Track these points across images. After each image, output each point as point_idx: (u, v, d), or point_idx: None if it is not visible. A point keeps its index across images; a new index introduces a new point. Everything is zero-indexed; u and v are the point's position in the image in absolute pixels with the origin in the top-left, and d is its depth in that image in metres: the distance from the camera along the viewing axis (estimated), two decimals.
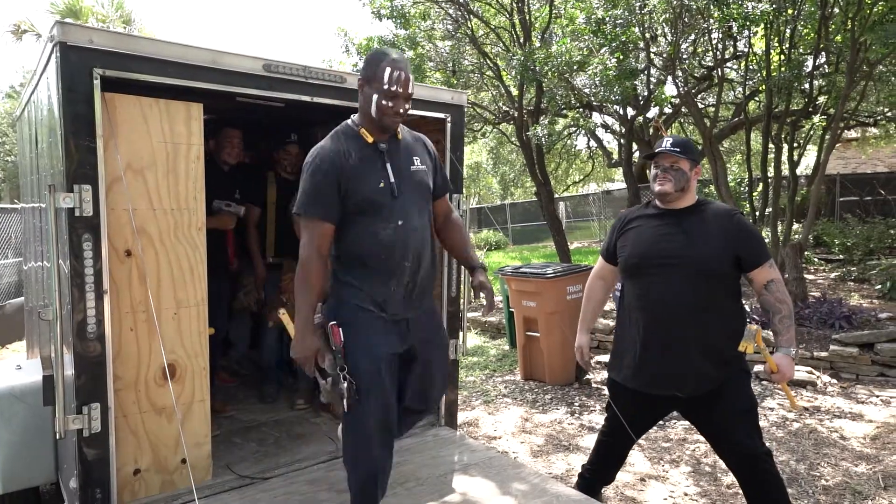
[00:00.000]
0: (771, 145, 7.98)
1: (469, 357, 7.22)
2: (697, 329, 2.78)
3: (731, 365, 2.84)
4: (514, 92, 10.19)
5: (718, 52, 8.77)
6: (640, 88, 8.68)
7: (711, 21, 7.41)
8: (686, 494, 3.84)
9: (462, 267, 3.23)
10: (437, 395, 2.86)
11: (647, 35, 8.29)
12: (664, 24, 8.31)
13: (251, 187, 4.35)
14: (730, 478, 3.86)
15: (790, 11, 6.95)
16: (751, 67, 8.38)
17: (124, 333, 2.77)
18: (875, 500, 3.68)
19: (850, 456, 4.27)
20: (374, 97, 2.41)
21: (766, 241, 5.45)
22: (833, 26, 7.31)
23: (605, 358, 4.25)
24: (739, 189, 12.11)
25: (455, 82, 10.25)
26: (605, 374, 3.30)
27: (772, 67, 7.61)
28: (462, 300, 3.79)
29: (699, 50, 9.92)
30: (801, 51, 7.83)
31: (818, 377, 5.73)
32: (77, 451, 2.62)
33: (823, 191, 12.96)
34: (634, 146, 11.22)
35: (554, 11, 9.22)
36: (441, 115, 3.58)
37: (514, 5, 9.61)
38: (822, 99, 8.41)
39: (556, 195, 17.13)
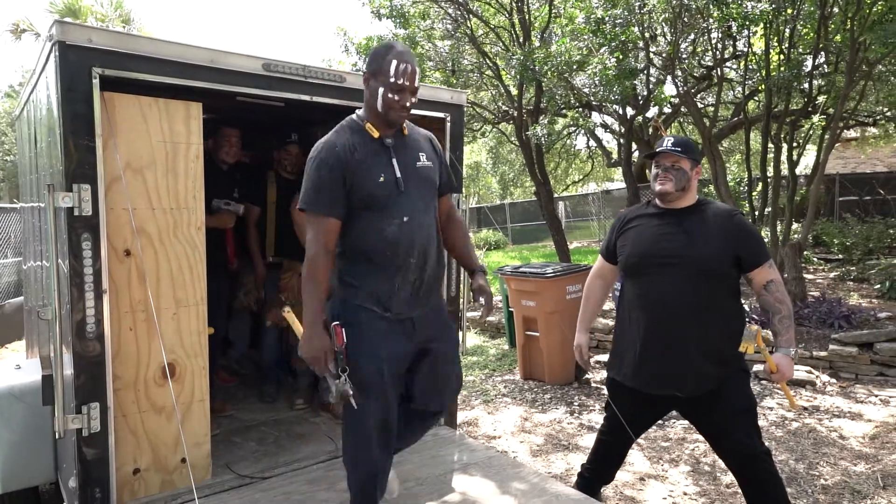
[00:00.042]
0: (770, 145, 7.98)
1: (468, 357, 7.23)
2: (698, 329, 2.78)
3: (730, 364, 2.85)
4: (514, 91, 10.19)
5: (718, 52, 8.77)
6: (639, 88, 8.67)
7: (711, 20, 7.41)
8: (685, 494, 3.84)
9: (461, 267, 3.20)
10: (451, 393, 2.77)
11: (647, 35, 8.29)
12: (663, 24, 8.31)
13: (251, 187, 4.34)
14: (729, 477, 3.86)
15: (789, 11, 6.96)
16: (750, 67, 8.38)
17: (123, 333, 2.77)
18: (874, 499, 3.68)
19: (849, 455, 4.28)
20: (380, 91, 2.37)
21: (766, 240, 5.45)
22: (832, 26, 7.31)
23: (605, 357, 4.25)
24: (739, 189, 12.10)
25: (454, 82, 10.24)
26: (604, 374, 3.30)
27: (771, 67, 7.61)
28: (462, 300, 3.80)
29: (698, 49, 9.92)
30: (800, 50, 7.83)
31: (817, 377, 5.74)
32: (76, 451, 2.62)
33: (823, 190, 12.97)
34: (634, 146, 11.21)
35: (553, 11, 9.22)
36: (440, 115, 3.57)
37: (514, 5, 9.61)
38: (821, 98, 8.41)
39: (556, 195, 17.13)
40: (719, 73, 8.85)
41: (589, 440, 4.37)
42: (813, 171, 8.11)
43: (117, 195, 2.70)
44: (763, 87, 8.11)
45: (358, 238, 2.42)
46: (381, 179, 2.39)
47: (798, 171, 9.10)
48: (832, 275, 10.20)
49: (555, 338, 5.93)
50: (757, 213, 8.72)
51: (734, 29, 7.51)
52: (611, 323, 6.93)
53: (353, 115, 2.52)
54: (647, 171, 13.61)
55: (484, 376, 6.52)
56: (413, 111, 2.53)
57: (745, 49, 8.63)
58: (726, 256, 2.78)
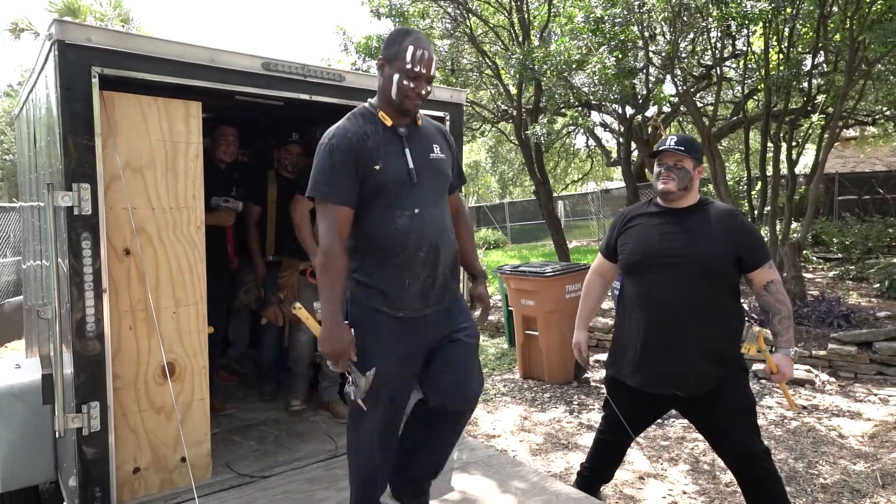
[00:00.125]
0: (770, 144, 7.98)
1: None
2: (699, 328, 2.79)
3: (730, 364, 2.85)
4: (513, 90, 10.19)
5: (717, 51, 8.77)
6: (638, 87, 8.67)
7: (710, 20, 7.41)
8: (685, 493, 3.84)
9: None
10: (473, 390, 2.52)
11: (646, 34, 8.29)
12: (663, 23, 8.31)
13: (250, 186, 4.34)
14: (728, 476, 3.86)
15: (789, 10, 6.95)
16: (749, 66, 8.37)
17: (123, 332, 2.77)
18: (873, 498, 3.68)
19: (849, 454, 4.28)
20: (396, 77, 2.29)
21: (765, 239, 5.45)
22: (832, 25, 7.31)
23: (604, 357, 4.25)
24: (738, 188, 12.11)
25: (454, 81, 10.24)
26: (603, 373, 3.30)
27: (770, 66, 7.61)
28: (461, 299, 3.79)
29: (698, 49, 9.92)
30: (799, 49, 7.82)
31: (817, 376, 5.74)
32: (76, 450, 2.62)
33: (822, 190, 12.97)
34: (633, 145, 11.22)
35: (553, 10, 9.22)
36: (440, 114, 3.57)
37: (513, 4, 9.61)
38: (820, 98, 8.41)
39: (555, 194, 17.13)
40: (718, 72, 8.85)
41: (588, 439, 4.37)
42: (812, 171, 8.11)
43: (117, 194, 2.70)
44: (762, 86, 8.11)
45: (367, 231, 2.33)
46: (394, 169, 2.31)
47: (797, 170, 9.09)
48: (831, 274, 10.21)
49: (554, 337, 5.93)
50: (756, 212, 8.72)
51: (733, 28, 7.51)
52: (610, 322, 6.93)
53: (366, 103, 2.44)
54: (646, 170, 13.64)
55: (483, 375, 6.52)
56: None
57: (745, 48, 8.63)
58: (727, 256, 2.78)
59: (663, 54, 9.28)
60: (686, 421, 4.01)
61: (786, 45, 7.60)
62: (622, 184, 15.16)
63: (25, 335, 5.35)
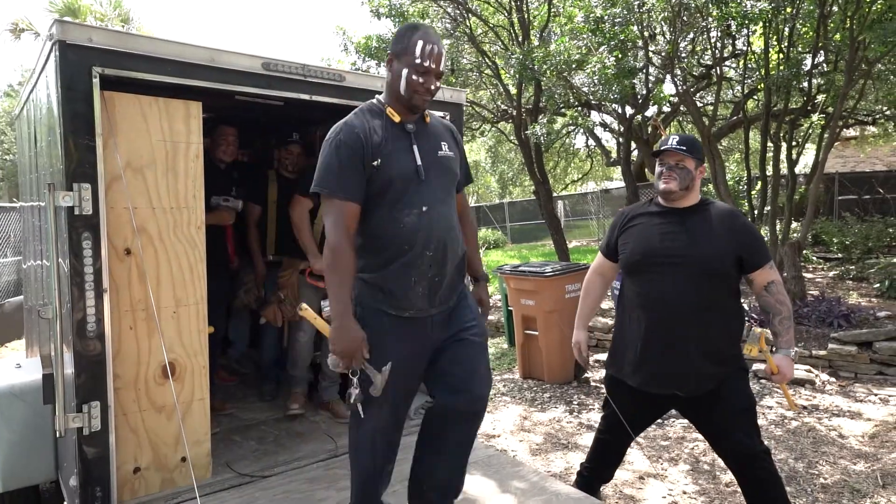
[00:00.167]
0: (769, 144, 7.98)
1: None
2: (699, 328, 2.79)
3: (729, 364, 2.85)
4: (513, 90, 10.20)
5: (717, 51, 8.77)
6: (638, 87, 8.68)
7: (710, 19, 7.41)
8: (685, 493, 3.84)
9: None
10: (481, 389, 2.46)
11: (646, 33, 8.29)
12: (663, 23, 8.31)
13: (250, 185, 4.35)
14: (728, 476, 3.87)
15: (789, 10, 6.96)
16: (749, 66, 8.37)
17: (124, 332, 2.77)
18: (873, 498, 3.69)
19: (849, 454, 4.28)
20: (405, 72, 2.26)
21: (765, 239, 5.45)
22: (832, 25, 7.31)
23: (604, 356, 4.26)
24: (738, 188, 12.11)
25: (453, 80, 10.25)
26: (603, 373, 3.31)
27: (770, 66, 7.61)
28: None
29: (698, 48, 9.93)
30: (799, 49, 7.83)
31: (817, 375, 5.74)
32: (77, 450, 2.63)
33: (822, 189, 12.97)
34: (633, 145, 11.22)
35: (552, 10, 9.22)
36: (439, 114, 3.57)
37: (513, 4, 9.61)
38: (820, 97, 8.42)
39: (555, 194, 17.15)
40: (718, 71, 8.85)
41: (588, 439, 4.37)
42: (812, 170, 8.11)
43: (117, 194, 2.70)
44: (762, 85, 8.11)
45: (374, 229, 2.30)
46: (401, 166, 2.28)
47: (797, 169, 9.10)
48: (831, 274, 10.21)
49: (554, 337, 5.94)
50: (756, 212, 8.73)
51: (733, 28, 7.51)
52: (610, 322, 6.93)
53: (374, 99, 2.41)
54: (646, 170, 13.65)
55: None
56: None
57: (745, 48, 8.63)
58: (728, 257, 2.78)
59: (663, 54, 9.28)
60: (686, 421, 4.01)
61: (786, 44, 7.60)
62: (622, 184, 15.16)
63: (26, 335, 5.36)
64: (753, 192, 9.18)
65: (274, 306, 4.22)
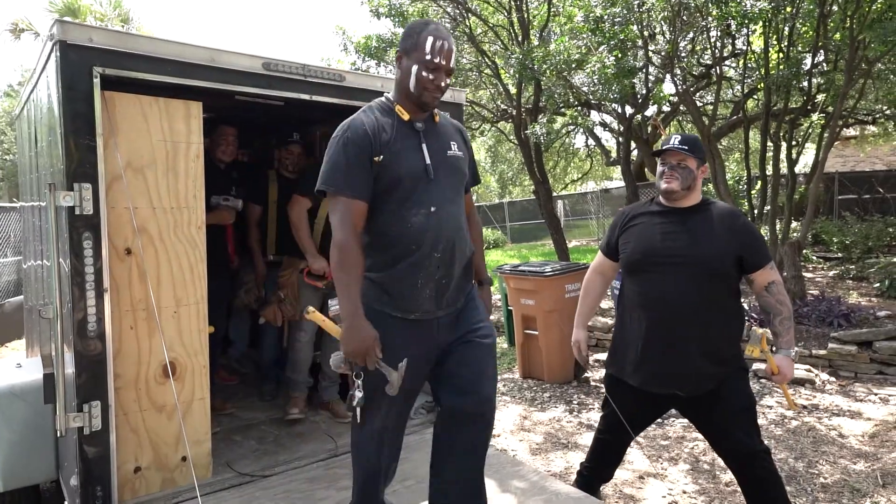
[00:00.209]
0: (769, 143, 7.99)
1: None
2: (700, 328, 2.79)
3: (729, 364, 2.86)
4: (513, 90, 10.20)
5: (717, 50, 8.78)
6: (638, 87, 8.68)
7: (710, 19, 7.42)
8: (685, 492, 3.85)
9: None
10: (487, 390, 2.40)
11: (646, 33, 8.29)
12: (662, 22, 8.32)
13: (250, 185, 4.35)
14: (728, 476, 3.87)
15: (789, 9, 6.96)
16: (749, 65, 8.38)
17: (124, 332, 2.78)
18: (873, 497, 3.69)
19: (849, 454, 4.28)
20: (414, 69, 2.23)
21: (765, 239, 5.46)
22: (832, 24, 7.32)
23: (604, 356, 4.26)
24: (738, 187, 12.12)
25: (453, 80, 10.23)
26: (603, 372, 3.31)
27: (770, 65, 7.62)
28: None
29: (697, 48, 9.93)
30: (799, 49, 7.83)
31: (817, 375, 5.75)
32: (78, 449, 2.63)
33: (822, 189, 12.98)
34: (633, 144, 11.22)
35: (552, 9, 9.22)
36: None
37: (513, 3, 9.61)
38: (820, 97, 8.42)
39: (555, 193, 17.15)
40: (718, 71, 8.86)
41: (588, 438, 4.38)
42: (812, 170, 8.12)
43: (118, 194, 2.70)
44: (762, 85, 8.12)
45: (380, 228, 2.27)
46: (410, 164, 2.25)
47: (797, 169, 9.11)
48: (831, 273, 10.22)
49: (554, 336, 5.94)
50: (756, 211, 8.73)
51: (733, 27, 7.52)
52: (610, 321, 6.93)
53: (382, 97, 2.38)
54: (645, 169, 13.65)
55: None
56: None
57: (744, 47, 8.64)
58: (729, 257, 2.79)
59: (663, 53, 9.28)
60: (686, 420, 4.01)
61: (786, 44, 7.60)
62: (622, 183, 15.17)
63: (26, 335, 5.36)
64: (753, 192, 9.19)
65: (274, 306, 4.22)
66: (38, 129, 3.33)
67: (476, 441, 2.43)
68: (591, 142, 16.05)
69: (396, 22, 9.40)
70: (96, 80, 2.53)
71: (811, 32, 7.48)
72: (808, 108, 8.51)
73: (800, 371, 5.69)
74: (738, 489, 3.16)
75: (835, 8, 7.18)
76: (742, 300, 3.24)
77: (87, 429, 2.62)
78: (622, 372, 3.01)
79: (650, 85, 8.83)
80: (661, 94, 8.28)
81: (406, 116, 2.30)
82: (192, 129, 2.90)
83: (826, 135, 7.60)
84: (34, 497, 3.52)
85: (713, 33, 8.50)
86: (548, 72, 7.92)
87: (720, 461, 3.60)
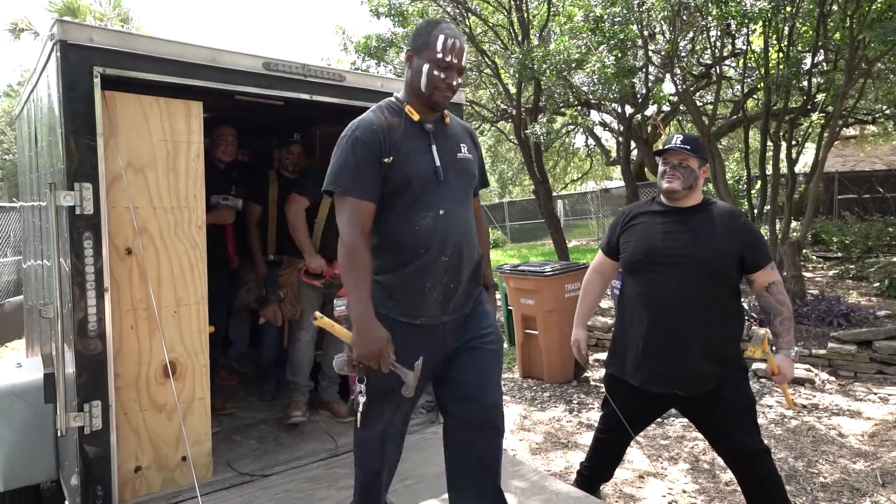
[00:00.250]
0: (769, 143, 7.99)
1: None
2: (701, 328, 2.79)
3: (729, 364, 2.86)
4: (513, 90, 10.20)
5: (717, 50, 8.78)
6: (638, 86, 8.68)
7: (710, 18, 7.42)
8: (685, 492, 3.85)
9: None
10: (493, 397, 2.35)
11: (646, 33, 8.29)
12: (662, 22, 8.32)
13: (250, 185, 4.35)
14: (728, 475, 3.87)
15: (788, 9, 6.96)
16: (749, 65, 8.38)
17: (125, 331, 2.78)
18: (873, 497, 3.69)
19: (849, 453, 4.29)
20: (425, 68, 2.19)
21: (765, 238, 5.46)
22: (832, 24, 7.32)
23: (604, 356, 4.26)
24: (738, 187, 12.12)
25: None
26: (603, 372, 3.31)
27: (770, 65, 7.62)
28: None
29: (697, 48, 9.93)
30: (799, 48, 7.83)
31: (816, 375, 5.75)
32: (78, 449, 2.63)
33: (822, 188, 12.99)
34: (632, 144, 11.22)
35: (552, 9, 9.22)
36: None
37: (513, 3, 9.61)
38: (820, 96, 8.42)
39: (555, 193, 17.15)
40: (718, 71, 8.87)
41: (588, 438, 4.38)
42: (812, 170, 8.12)
43: (118, 194, 2.70)
44: (762, 85, 8.12)
45: (388, 230, 2.23)
46: (419, 166, 2.20)
47: (797, 169, 9.11)
48: (831, 273, 10.22)
49: (553, 336, 5.94)
50: (756, 211, 8.74)
51: (733, 27, 7.52)
52: (610, 321, 6.93)
53: (392, 97, 2.34)
54: (645, 169, 13.65)
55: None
56: None
57: (744, 47, 8.64)
58: (730, 257, 2.79)
59: (663, 53, 9.28)
60: (686, 420, 4.02)
61: (785, 43, 7.61)
62: (621, 183, 15.16)
63: (26, 334, 5.36)
64: (753, 192, 9.19)
65: (274, 305, 4.22)
66: (38, 129, 3.33)
67: (486, 451, 2.34)
68: (590, 141, 16.06)
69: (396, 21, 9.40)
70: (97, 80, 2.53)
71: (811, 32, 7.48)
72: (808, 107, 8.51)
73: (799, 370, 5.70)
74: (738, 489, 3.17)
75: (835, 8, 7.18)
76: (742, 300, 3.24)
77: (87, 428, 2.62)
78: (622, 371, 3.01)
79: (650, 84, 8.83)
80: (661, 94, 8.29)
81: (416, 117, 2.26)
82: (193, 129, 2.90)
83: (826, 134, 7.61)
84: (35, 497, 3.52)
85: (713, 33, 8.51)
86: (548, 71, 7.92)
87: (720, 461, 3.60)
